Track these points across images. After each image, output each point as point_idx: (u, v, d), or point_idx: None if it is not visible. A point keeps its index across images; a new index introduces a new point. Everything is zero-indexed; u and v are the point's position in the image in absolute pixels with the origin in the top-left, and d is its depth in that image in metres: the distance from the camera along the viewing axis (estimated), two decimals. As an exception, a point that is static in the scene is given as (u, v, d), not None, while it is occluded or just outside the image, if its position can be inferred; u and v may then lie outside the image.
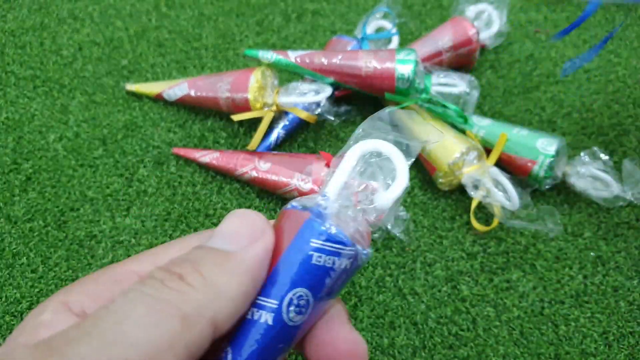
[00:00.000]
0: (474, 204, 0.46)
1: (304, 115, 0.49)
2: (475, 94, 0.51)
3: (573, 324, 0.42)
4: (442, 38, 0.56)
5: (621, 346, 0.41)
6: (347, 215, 0.21)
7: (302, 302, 0.19)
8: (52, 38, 0.64)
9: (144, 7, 0.68)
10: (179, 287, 0.17)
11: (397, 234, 0.45)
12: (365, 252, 0.21)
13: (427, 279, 0.44)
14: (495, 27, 0.59)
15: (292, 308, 0.19)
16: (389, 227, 0.45)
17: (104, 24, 0.65)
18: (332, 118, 0.52)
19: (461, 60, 0.57)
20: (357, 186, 0.21)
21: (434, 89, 0.51)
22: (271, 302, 0.19)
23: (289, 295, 0.19)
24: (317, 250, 0.19)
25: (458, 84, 0.50)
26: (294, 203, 0.21)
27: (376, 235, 0.46)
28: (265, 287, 0.19)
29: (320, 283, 0.19)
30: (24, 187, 0.50)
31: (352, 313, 0.43)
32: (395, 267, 0.45)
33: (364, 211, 0.21)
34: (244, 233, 0.20)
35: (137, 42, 0.63)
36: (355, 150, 0.21)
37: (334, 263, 0.19)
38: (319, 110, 0.51)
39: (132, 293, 0.16)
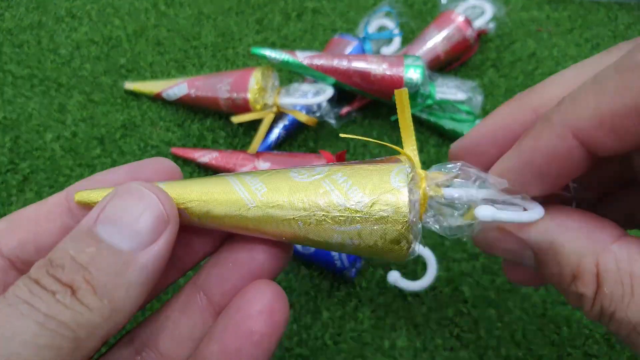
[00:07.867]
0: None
1: (304, 118, 0.49)
2: (480, 98, 0.52)
3: (575, 325, 0.42)
4: (430, 33, 0.57)
5: (624, 347, 0.41)
6: None
7: None
8: (50, 37, 0.63)
9: (143, 6, 0.67)
10: (73, 306, 0.15)
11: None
12: None
13: (428, 280, 0.44)
14: (488, 14, 0.59)
15: None
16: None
17: (102, 23, 0.65)
18: (333, 121, 0.52)
19: (458, 47, 0.57)
20: None
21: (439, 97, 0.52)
22: None
23: None
24: None
25: (458, 95, 0.51)
26: None
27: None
28: None
29: None
30: (21, 187, 0.49)
31: (352, 314, 0.42)
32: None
33: None
34: (145, 226, 0.16)
35: (136, 40, 0.63)
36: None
37: None
38: (319, 113, 0.51)
39: (19, 304, 0.15)
